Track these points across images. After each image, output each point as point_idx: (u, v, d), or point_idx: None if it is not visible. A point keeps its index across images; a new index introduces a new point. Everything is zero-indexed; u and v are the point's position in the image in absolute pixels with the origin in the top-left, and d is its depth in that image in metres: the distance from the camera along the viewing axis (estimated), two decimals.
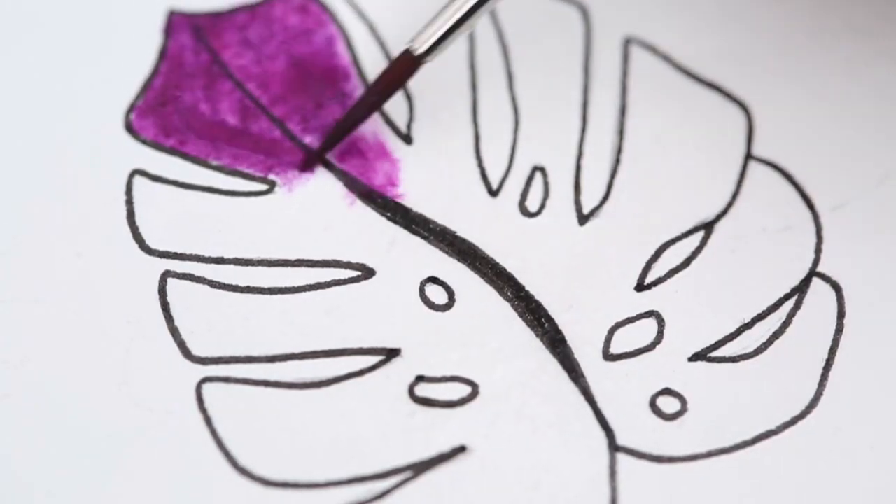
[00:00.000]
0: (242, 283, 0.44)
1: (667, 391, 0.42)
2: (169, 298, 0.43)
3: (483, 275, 0.44)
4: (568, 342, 0.43)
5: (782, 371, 0.43)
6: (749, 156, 0.46)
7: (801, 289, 0.44)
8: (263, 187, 0.46)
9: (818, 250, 0.45)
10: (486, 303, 0.44)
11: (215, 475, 0.41)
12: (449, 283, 0.44)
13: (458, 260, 0.44)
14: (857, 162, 0.46)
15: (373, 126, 0.47)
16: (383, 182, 0.46)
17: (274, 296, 0.44)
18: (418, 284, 0.44)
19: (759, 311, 0.44)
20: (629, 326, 0.43)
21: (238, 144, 0.46)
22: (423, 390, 0.42)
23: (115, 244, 0.44)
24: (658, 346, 0.43)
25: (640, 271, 0.44)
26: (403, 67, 0.45)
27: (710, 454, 0.41)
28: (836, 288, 0.44)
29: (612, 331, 0.43)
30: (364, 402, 0.42)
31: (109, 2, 0.49)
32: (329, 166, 0.46)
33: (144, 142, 0.46)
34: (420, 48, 0.44)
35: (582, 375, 0.43)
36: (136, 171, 0.46)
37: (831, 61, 0.48)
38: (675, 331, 0.43)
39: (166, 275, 0.44)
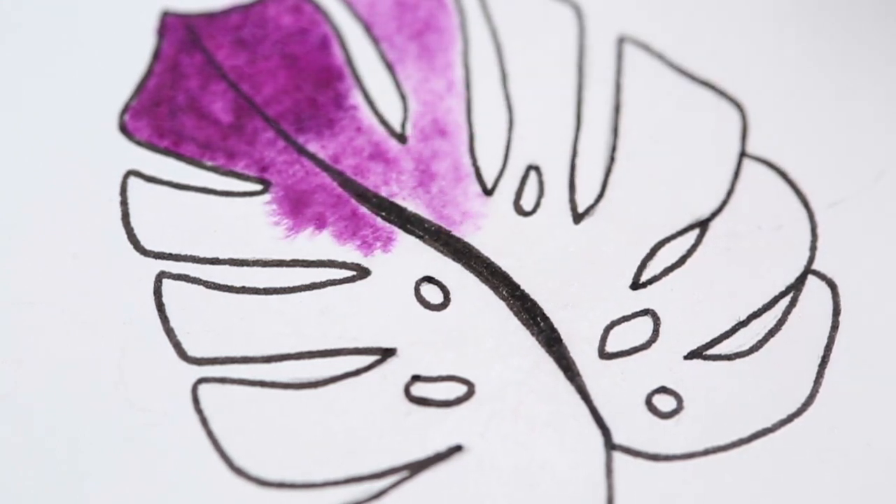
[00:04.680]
0: (237, 284, 0.44)
1: (662, 389, 0.42)
2: (164, 299, 0.43)
3: (478, 274, 0.44)
4: (563, 341, 0.43)
5: (778, 369, 0.43)
6: (743, 154, 0.46)
7: (796, 286, 0.44)
8: (258, 187, 0.46)
9: (813, 248, 0.45)
10: (482, 302, 0.44)
11: (211, 476, 0.41)
12: (444, 282, 0.44)
13: (454, 259, 0.44)
14: (852, 160, 0.46)
15: (368, 125, 0.47)
16: (378, 181, 0.46)
17: (269, 296, 0.44)
18: (413, 284, 0.44)
19: (755, 309, 0.44)
20: (625, 325, 0.43)
21: (232, 145, 0.46)
22: (418, 390, 0.42)
23: (110, 245, 0.44)
24: (654, 345, 0.43)
25: (635, 269, 0.44)
26: None
27: (706, 452, 0.41)
28: (832, 285, 0.44)
29: (607, 329, 0.43)
30: (360, 401, 0.42)
31: (103, 3, 0.49)
32: (325, 166, 0.46)
33: (139, 143, 0.46)
34: None
35: (578, 374, 0.43)
36: (130, 172, 0.46)
37: (825, 59, 0.48)
38: (671, 329, 0.43)
39: (161, 275, 0.44)
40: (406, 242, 0.45)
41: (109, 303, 0.43)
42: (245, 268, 0.44)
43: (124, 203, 0.45)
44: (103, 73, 0.47)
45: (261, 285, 0.44)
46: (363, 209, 0.45)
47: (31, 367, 0.42)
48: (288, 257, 0.44)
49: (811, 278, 0.44)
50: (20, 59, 0.48)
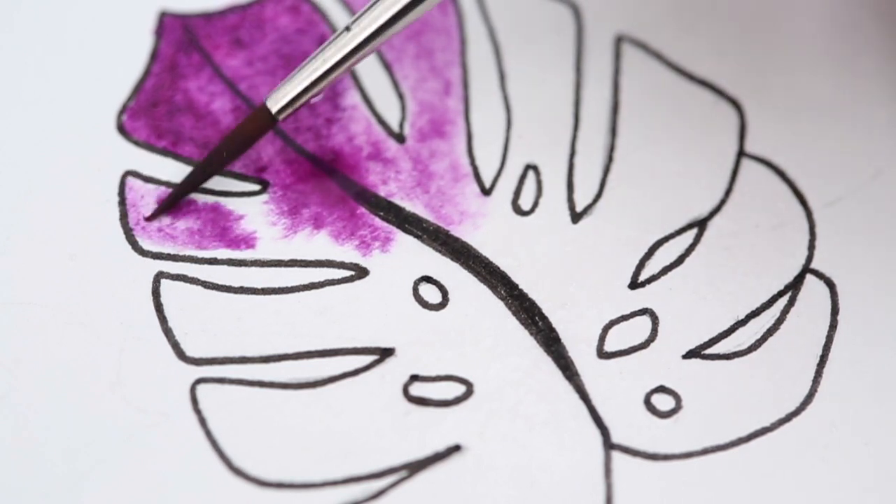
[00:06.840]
0: (236, 284, 0.44)
1: (661, 389, 0.42)
2: (163, 299, 0.43)
3: (477, 273, 0.44)
4: (562, 340, 0.43)
5: (777, 368, 0.43)
6: (742, 153, 0.46)
7: (794, 285, 0.44)
8: (256, 187, 0.46)
9: (811, 247, 0.45)
10: (480, 301, 0.44)
11: (210, 476, 0.41)
12: (442, 282, 0.44)
13: (452, 259, 0.44)
14: (850, 158, 0.46)
15: (366, 125, 0.47)
16: (376, 181, 0.46)
17: (267, 296, 0.44)
18: (412, 284, 0.44)
19: (753, 308, 0.44)
20: (623, 324, 0.43)
21: None
22: (417, 389, 0.42)
23: (109, 245, 0.44)
24: (652, 344, 0.43)
25: (633, 269, 0.44)
26: (259, 123, 0.44)
27: (704, 451, 0.41)
28: (830, 284, 0.44)
29: (606, 329, 0.43)
30: (358, 401, 0.42)
31: (101, 3, 0.49)
32: (322, 166, 0.46)
33: (137, 143, 0.46)
34: (276, 105, 0.44)
35: (576, 373, 0.43)
36: (128, 173, 0.46)
37: (823, 58, 0.48)
38: (669, 328, 0.43)
39: (160, 276, 0.44)
40: (404, 242, 0.45)
41: (107, 303, 0.43)
42: (243, 268, 0.44)
43: (122, 203, 0.45)
44: (101, 74, 0.47)
45: (259, 285, 0.44)
46: (361, 209, 0.45)
47: (29, 367, 0.42)
48: (286, 257, 0.44)
49: (809, 277, 0.44)
50: (18, 58, 0.48)
